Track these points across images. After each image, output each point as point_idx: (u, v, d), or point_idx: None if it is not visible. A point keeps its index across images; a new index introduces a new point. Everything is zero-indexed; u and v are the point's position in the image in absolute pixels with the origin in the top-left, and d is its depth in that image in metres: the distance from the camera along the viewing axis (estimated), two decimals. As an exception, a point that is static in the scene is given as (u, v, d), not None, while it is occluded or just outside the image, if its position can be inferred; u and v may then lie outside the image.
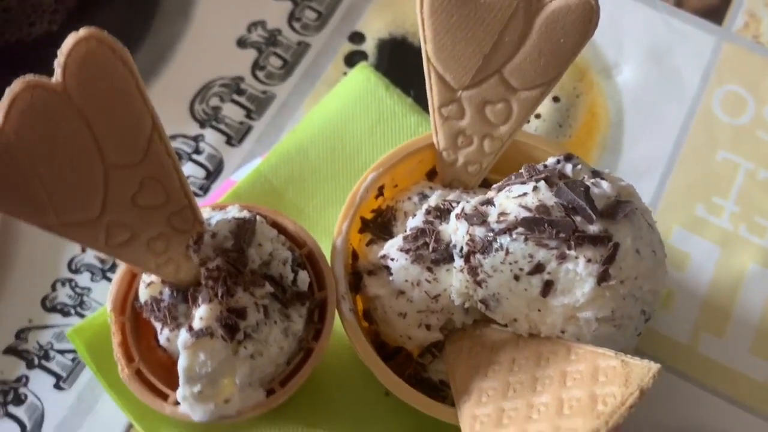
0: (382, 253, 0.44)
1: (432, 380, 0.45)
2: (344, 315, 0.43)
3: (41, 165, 0.33)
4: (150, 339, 0.43)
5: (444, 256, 0.43)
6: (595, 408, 0.33)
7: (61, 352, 0.54)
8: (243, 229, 0.39)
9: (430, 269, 0.43)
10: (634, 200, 0.39)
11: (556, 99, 0.65)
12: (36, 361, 0.53)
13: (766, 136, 0.65)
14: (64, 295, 0.55)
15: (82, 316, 0.55)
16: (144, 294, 0.41)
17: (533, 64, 0.42)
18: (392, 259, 0.44)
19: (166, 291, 0.40)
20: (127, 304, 0.42)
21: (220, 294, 0.37)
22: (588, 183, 0.38)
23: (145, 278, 0.41)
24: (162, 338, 0.41)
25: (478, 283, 0.40)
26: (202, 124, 0.62)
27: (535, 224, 0.37)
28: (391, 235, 0.46)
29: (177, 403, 0.39)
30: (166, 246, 0.39)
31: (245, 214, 0.41)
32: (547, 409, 0.34)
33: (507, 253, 0.38)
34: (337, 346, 0.53)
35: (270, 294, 0.39)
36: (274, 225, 0.43)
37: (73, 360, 0.53)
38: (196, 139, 0.61)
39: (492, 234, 0.39)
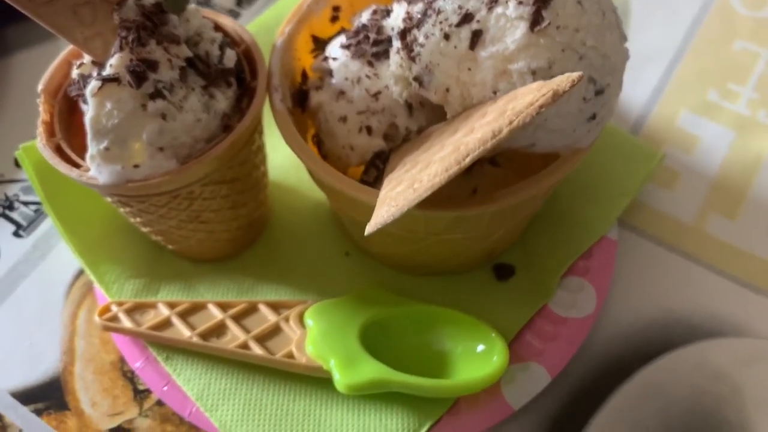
0: (324, 55, 0.42)
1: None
2: (275, 105, 0.40)
3: None
4: (82, 138, 0.41)
5: (385, 48, 0.40)
6: (501, 117, 0.28)
7: (26, 203, 0.53)
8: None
9: (370, 63, 0.40)
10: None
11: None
12: (1, 210, 0.53)
13: (792, 28, 0.59)
14: (37, 153, 0.55)
15: (51, 172, 0.54)
16: (74, 74, 0.40)
17: None
18: (333, 59, 0.41)
19: (95, 70, 0.39)
20: (60, 90, 0.41)
21: (130, 40, 0.35)
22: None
23: (78, 62, 0.40)
24: (86, 119, 0.39)
25: (413, 59, 0.37)
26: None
27: (464, -28, 0.34)
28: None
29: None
30: (93, 16, 0.38)
31: (179, -4, 0.39)
32: (455, 140, 0.30)
33: (438, 12, 0.35)
34: (296, 203, 0.51)
35: (190, 64, 0.37)
36: (216, 28, 0.41)
37: (35, 211, 0.53)
38: None
39: (429, 2, 0.36)
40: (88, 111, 0.35)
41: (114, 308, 0.45)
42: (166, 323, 0.44)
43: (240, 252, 0.48)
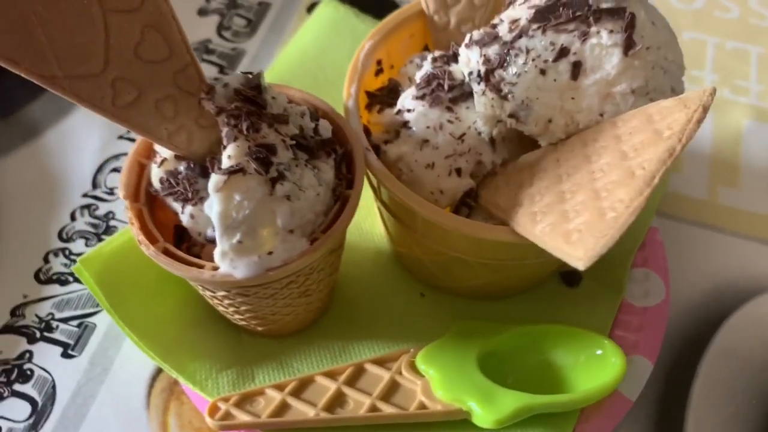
0: (396, 108, 0.43)
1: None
2: (373, 165, 0.40)
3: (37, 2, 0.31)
4: (170, 234, 0.40)
5: (461, 92, 0.41)
6: (661, 137, 0.31)
7: (64, 320, 0.49)
8: (254, 80, 0.37)
9: (449, 109, 0.41)
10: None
11: None
12: (38, 334, 0.48)
13: (720, 14, 0.67)
14: (59, 264, 0.51)
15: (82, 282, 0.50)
16: (158, 173, 0.38)
17: None
18: (408, 111, 0.42)
19: (182, 165, 0.37)
20: (141, 192, 0.39)
21: (245, 128, 0.34)
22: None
23: (157, 159, 0.38)
24: (185, 218, 0.37)
25: (504, 97, 0.39)
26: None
27: (548, 12, 0.37)
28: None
29: (215, 269, 0.35)
30: (175, 110, 0.37)
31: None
32: (611, 165, 0.33)
33: (527, 52, 0.37)
34: (356, 257, 0.51)
35: (295, 142, 0.37)
36: (289, 101, 0.41)
37: (79, 326, 0.49)
38: (173, 100, 0.59)
39: (507, 44, 0.38)
40: (214, 207, 0.34)
41: (222, 405, 0.42)
42: (284, 407, 0.43)
43: (319, 319, 0.48)
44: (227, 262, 0.35)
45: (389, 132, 0.44)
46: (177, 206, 0.38)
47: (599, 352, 0.44)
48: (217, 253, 0.35)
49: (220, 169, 0.34)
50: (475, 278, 0.46)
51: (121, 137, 0.58)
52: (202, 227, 0.38)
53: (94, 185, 0.55)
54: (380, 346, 0.47)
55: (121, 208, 0.54)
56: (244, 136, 0.35)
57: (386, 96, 0.45)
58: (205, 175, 0.37)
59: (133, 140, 0.57)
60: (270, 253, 0.35)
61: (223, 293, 0.38)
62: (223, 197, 0.34)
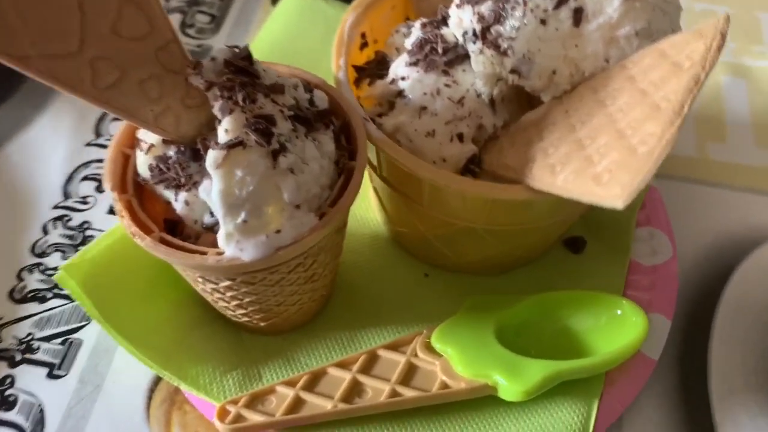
0: (389, 78, 0.41)
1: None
2: (373, 135, 0.38)
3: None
4: (160, 229, 0.37)
5: (456, 55, 0.40)
6: (682, 69, 0.30)
7: (47, 339, 0.45)
8: (243, 51, 0.35)
9: (446, 72, 0.40)
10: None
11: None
12: (18, 357, 0.44)
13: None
14: (34, 281, 0.47)
15: (63, 297, 0.47)
16: (145, 161, 0.35)
17: None
18: (403, 78, 0.40)
19: (171, 149, 0.35)
20: (127, 183, 0.36)
21: (241, 99, 0.32)
22: None
23: (143, 147, 0.36)
24: (179, 205, 0.35)
25: (504, 53, 0.37)
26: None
27: (544, -41, 0.36)
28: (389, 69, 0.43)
29: (219, 255, 0.33)
30: (160, 90, 0.34)
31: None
32: (630, 104, 0.31)
33: (524, 4, 0.36)
34: (363, 239, 0.49)
35: (293, 113, 0.34)
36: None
37: (63, 343, 0.45)
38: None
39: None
40: (215, 185, 0.31)
41: (231, 408, 0.40)
42: (298, 402, 0.40)
43: (322, 311, 0.45)
44: (233, 245, 0.32)
45: (382, 105, 0.42)
46: (169, 194, 0.35)
47: (619, 312, 0.42)
48: (221, 236, 0.32)
49: (217, 144, 0.32)
50: (482, 250, 0.44)
51: (89, 144, 0.54)
52: (198, 214, 0.35)
53: (66, 195, 0.51)
54: (390, 331, 0.45)
55: (99, 216, 0.51)
56: (240, 107, 0.32)
57: (375, 68, 0.43)
58: (197, 158, 0.34)
59: (103, 146, 0.54)
60: (278, 231, 0.33)
61: (226, 284, 0.36)
62: (223, 174, 0.31)
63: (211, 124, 0.35)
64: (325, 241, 0.36)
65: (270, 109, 0.33)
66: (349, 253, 0.48)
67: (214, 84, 0.33)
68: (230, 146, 0.31)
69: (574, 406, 0.41)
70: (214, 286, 0.36)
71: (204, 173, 0.34)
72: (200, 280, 0.36)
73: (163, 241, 0.34)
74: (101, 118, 0.55)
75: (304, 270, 0.37)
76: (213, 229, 0.35)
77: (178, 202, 0.35)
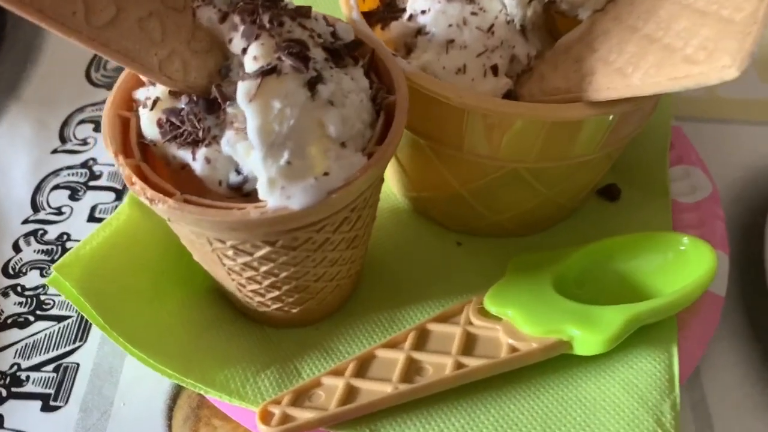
0: (407, 14, 0.37)
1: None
2: (405, 69, 0.34)
3: None
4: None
5: (480, -21, 0.36)
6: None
7: (35, 368, 0.38)
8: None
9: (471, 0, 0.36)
10: None
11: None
12: (4, 392, 0.37)
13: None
14: (12, 305, 0.40)
15: (48, 318, 0.40)
16: (153, 117, 0.30)
17: None
18: (423, 12, 0.36)
19: (182, 101, 0.30)
20: (131, 148, 0.30)
21: (267, 22, 0.27)
22: None
23: (147, 103, 0.30)
24: (199, 165, 0.29)
25: (536, -31, 0.34)
26: (108, 87, 0.51)
27: None
28: (404, 9, 0.39)
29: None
30: (162, 30, 0.29)
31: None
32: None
33: None
34: (382, 213, 0.44)
35: (322, 40, 0.30)
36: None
37: (56, 370, 0.38)
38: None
39: None
40: (250, 122, 0.26)
41: (274, 409, 0.34)
42: (351, 391, 0.34)
43: (350, 296, 0.40)
44: (278, 192, 0.27)
45: (398, 49, 0.38)
46: (185, 154, 0.30)
47: (682, 248, 0.39)
48: (262, 185, 0.27)
49: (246, 73, 0.27)
50: (522, 203, 0.40)
51: (55, 151, 0.48)
52: (222, 173, 0.29)
53: (35, 208, 0.45)
54: (431, 305, 0.40)
55: (78, 226, 0.44)
56: (267, 31, 0.27)
57: (385, 11, 0.39)
58: (212, 110, 0.29)
59: (73, 152, 0.48)
60: (326, 174, 0.28)
61: (263, 253, 0.30)
62: (259, 107, 0.26)
63: (223, 73, 0.30)
64: (371, 191, 0.31)
65: (299, 34, 0.28)
66: (387, 228, 0.43)
67: (229, 12, 0.28)
68: (264, 73, 0.26)
69: (653, 353, 0.37)
70: (247, 260, 0.31)
71: (223, 127, 0.29)
72: (230, 254, 0.31)
73: (188, 202, 0.28)
74: (65, 122, 0.49)
75: (348, 229, 0.32)
76: (242, 188, 0.30)
77: (197, 161, 0.29)
